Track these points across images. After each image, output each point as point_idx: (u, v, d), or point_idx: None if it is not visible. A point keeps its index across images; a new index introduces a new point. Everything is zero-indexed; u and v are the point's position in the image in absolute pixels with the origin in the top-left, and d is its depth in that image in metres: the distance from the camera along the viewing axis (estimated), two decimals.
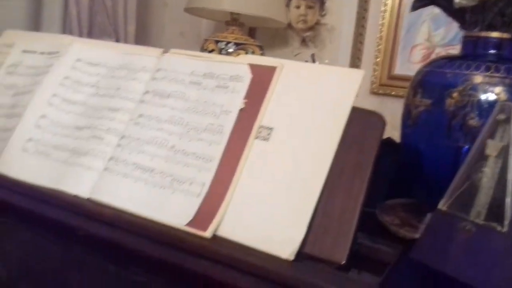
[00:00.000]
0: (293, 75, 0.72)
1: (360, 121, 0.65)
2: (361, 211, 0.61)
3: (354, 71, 0.69)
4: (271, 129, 0.70)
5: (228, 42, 1.57)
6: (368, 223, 0.69)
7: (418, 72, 0.80)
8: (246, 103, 0.73)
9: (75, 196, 0.74)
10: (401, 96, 1.54)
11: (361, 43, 1.68)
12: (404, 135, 0.83)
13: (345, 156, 0.64)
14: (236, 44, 1.57)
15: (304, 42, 1.81)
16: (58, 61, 0.91)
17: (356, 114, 0.65)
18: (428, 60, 0.89)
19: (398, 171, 0.90)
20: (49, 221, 0.75)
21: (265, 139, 0.69)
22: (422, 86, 0.76)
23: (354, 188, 0.63)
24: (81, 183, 0.75)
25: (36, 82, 0.91)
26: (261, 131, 0.70)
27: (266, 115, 0.71)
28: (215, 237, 0.64)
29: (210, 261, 0.61)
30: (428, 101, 0.73)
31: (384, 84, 1.61)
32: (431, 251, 0.54)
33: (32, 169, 0.80)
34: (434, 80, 0.75)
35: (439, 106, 0.72)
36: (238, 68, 0.76)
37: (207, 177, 0.69)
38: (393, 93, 1.59)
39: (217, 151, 0.70)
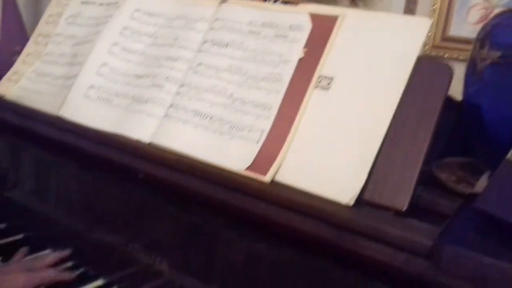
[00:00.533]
0: (355, 24, 0.71)
1: (426, 70, 0.63)
2: (424, 162, 0.61)
3: (421, 19, 0.67)
4: (331, 78, 0.69)
5: None
6: (425, 179, 0.69)
7: (486, 25, 0.77)
8: (305, 53, 0.72)
9: (137, 141, 0.77)
10: (455, 59, 1.50)
11: (415, 2, 1.62)
12: (466, 92, 0.80)
13: (409, 106, 0.63)
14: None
15: (353, 0, 1.76)
16: (117, 11, 0.92)
17: (422, 63, 0.64)
18: (492, 15, 0.85)
19: (456, 130, 0.88)
20: (112, 164, 0.78)
21: (325, 88, 0.69)
22: (491, 37, 0.73)
23: (418, 138, 0.62)
24: (142, 128, 0.78)
25: (95, 32, 0.93)
26: (321, 80, 0.70)
27: (327, 64, 0.70)
28: (274, 182, 0.66)
29: (270, 204, 0.62)
30: (496, 53, 0.70)
31: (437, 46, 1.55)
32: (498, 201, 0.54)
33: (95, 114, 0.83)
34: (504, 31, 0.72)
35: (509, 58, 0.69)
36: (298, 17, 0.75)
37: (265, 124, 0.70)
38: (446, 55, 1.53)
39: (275, 100, 0.71)
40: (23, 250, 0.88)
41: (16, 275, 0.74)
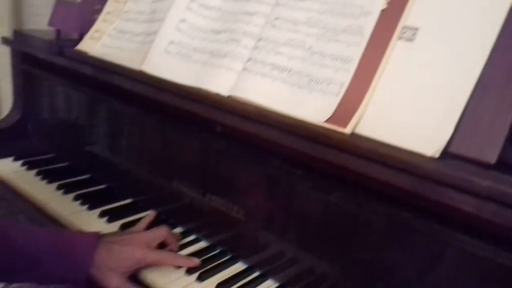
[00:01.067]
0: None
1: None
2: None
3: None
4: (416, 29, 0.67)
5: None
6: None
7: None
8: (389, 3, 0.70)
9: (216, 94, 0.79)
10: None
11: None
12: None
13: (499, 59, 0.60)
14: None
15: None
16: None
17: None
18: None
19: None
20: (192, 117, 0.81)
21: (410, 39, 0.67)
22: None
23: (508, 92, 0.59)
24: (221, 82, 0.79)
25: None
26: (405, 31, 0.68)
27: (411, 15, 0.68)
28: (354, 134, 0.66)
29: (351, 155, 0.62)
30: None
31: None
32: None
33: (175, 69, 0.86)
34: None
35: None
36: None
37: (345, 77, 0.69)
38: None
39: (356, 52, 0.70)
40: (151, 214, 0.90)
41: (135, 248, 0.75)
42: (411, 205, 0.60)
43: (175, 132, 0.89)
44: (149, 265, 0.76)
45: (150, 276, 0.76)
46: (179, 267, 0.78)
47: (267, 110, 0.73)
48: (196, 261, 0.79)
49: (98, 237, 0.75)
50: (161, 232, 0.81)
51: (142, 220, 0.89)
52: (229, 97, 0.78)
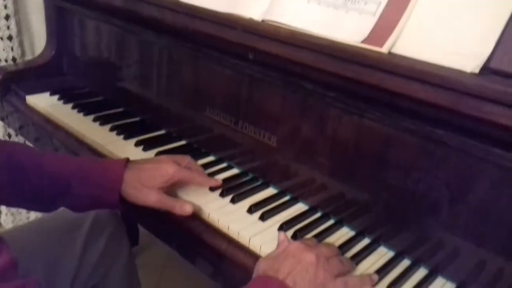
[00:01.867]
0: None
1: None
2: None
3: None
4: None
5: None
6: None
7: None
8: None
9: (250, 19, 0.78)
10: None
11: None
12: None
13: None
14: None
15: None
16: None
17: None
18: None
19: None
20: (225, 44, 0.81)
21: None
22: None
23: None
24: (254, 6, 0.79)
25: None
26: None
27: None
28: (392, 53, 0.65)
29: (387, 73, 0.62)
30: None
31: None
32: None
33: None
34: None
35: None
36: None
37: None
38: None
39: None
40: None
41: (168, 164, 0.76)
42: (447, 123, 0.59)
43: (208, 61, 0.89)
44: (180, 181, 0.77)
45: (186, 198, 0.79)
46: (214, 190, 0.81)
47: (302, 33, 0.72)
48: (219, 182, 0.82)
49: (126, 160, 0.77)
50: (186, 157, 0.82)
51: None
52: (262, 21, 0.77)
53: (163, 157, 0.83)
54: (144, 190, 0.73)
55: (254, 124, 0.84)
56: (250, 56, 0.81)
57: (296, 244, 0.62)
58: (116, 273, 0.93)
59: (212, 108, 0.91)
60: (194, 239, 0.74)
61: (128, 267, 0.95)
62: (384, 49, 0.65)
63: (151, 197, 0.73)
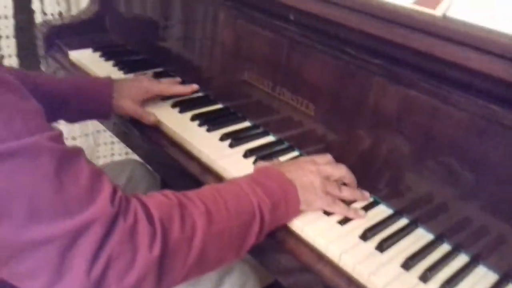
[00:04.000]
0: None
1: None
2: None
3: None
4: None
5: None
6: None
7: None
8: None
9: None
10: None
11: None
12: None
13: None
14: None
15: None
16: None
17: None
18: None
19: None
20: (267, 2, 0.76)
21: None
22: None
23: None
24: None
25: None
26: None
27: None
28: (446, 17, 0.58)
29: (439, 39, 0.56)
30: None
31: None
32: None
33: None
34: None
35: None
36: None
37: None
38: None
39: None
40: (150, 72, 1.04)
41: (144, 79, 0.90)
42: (504, 99, 0.53)
43: (247, 21, 0.85)
44: (156, 94, 0.90)
45: (221, 165, 0.76)
46: (247, 157, 0.78)
47: None
48: (195, 87, 0.96)
49: (110, 78, 0.90)
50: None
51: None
52: None
53: (140, 76, 0.95)
54: (122, 99, 0.86)
55: (291, 91, 0.80)
56: (291, 17, 0.75)
57: (307, 157, 0.71)
58: None
59: (250, 72, 0.87)
60: None
61: None
62: (438, 12, 0.58)
63: (126, 104, 0.85)
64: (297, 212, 0.64)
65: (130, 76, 1.05)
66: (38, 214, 0.41)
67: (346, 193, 0.68)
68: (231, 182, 0.61)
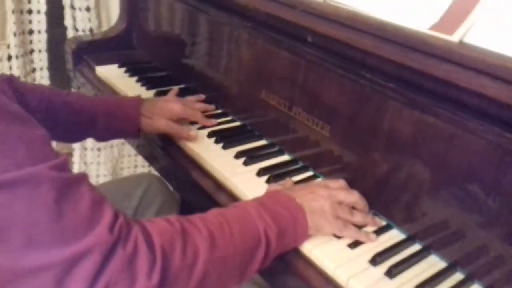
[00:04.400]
0: None
1: None
2: None
3: None
4: None
5: None
6: None
7: None
8: None
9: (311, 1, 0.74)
10: None
11: None
12: None
13: None
14: None
15: None
16: None
17: None
18: None
19: None
20: (283, 24, 0.77)
21: None
22: None
23: None
24: None
25: None
26: None
27: None
28: (463, 43, 0.57)
29: (455, 65, 0.55)
30: None
31: None
32: None
33: None
34: None
35: None
36: None
37: None
38: None
39: None
40: (176, 88, 1.02)
41: (174, 103, 0.89)
42: None
43: (266, 41, 0.86)
44: (186, 116, 0.90)
45: (234, 182, 0.77)
46: (261, 176, 0.79)
47: (364, 15, 0.66)
48: (214, 122, 0.94)
49: (140, 97, 0.91)
50: (190, 98, 0.96)
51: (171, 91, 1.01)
52: (323, 1, 0.72)
53: (170, 97, 0.95)
54: (155, 117, 0.86)
55: (307, 111, 0.80)
56: (309, 38, 0.76)
57: (318, 181, 0.72)
58: None
59: (268, 91, 0.88)
60: None
61: None
62: (455, 38, 0.57)
63: (161, 122, 0.86)
64: (305, 237, 0.63)
65: (152, 91, 1.07)
66: (35, 241, 0.42)
67: (358, 218, 0.67)
68: (238, 206, 0.61)
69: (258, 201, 0.62)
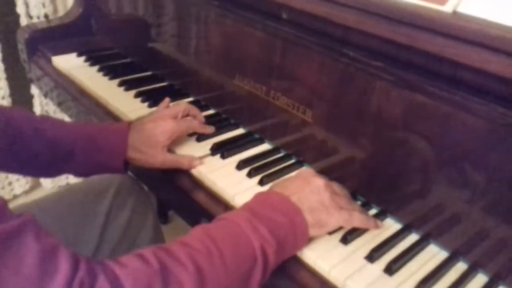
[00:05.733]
0: None
1: None
2: None
3: None
4: None
5: None
6: None
7: None
8: None
9: None
10: None
11: None
12: None
13: None
14: None
15: None
16: None
17: None
18: None
19: None
20: (255, 1, 0.70)
21: None
22: None
23: None
24: None
25: None
26: None
27: None
28: (456, 14, 0.51)
29: (450, 39, 0.49)
30: None
31: None
32: None
33: None
34: None
35: None
36: None
37: None
38: None
39: None
40: (167, 99, 0.83)
41: (165, 121, 0.73)
42: None
43: (237, 21, 0.78)
44: (182, 133, 0.76)
45: (212, 179, 0.71)
46: (241, 169, 0.72)
47: None
48: (212, 129, 0.81)
49: (128, 123, 0.74)
50: (181, 105, 0.78)
51: (161, 103, 0.83)
52: None
53: (160, 113, 0.77)
54: (149, 152, 0.71)
55: (287, 95, 0.74)
56: (284, 15, 0.69)
57: (308, 169, 0.64)
58: (142, 246, 0.88)
59: (242, 75, 0.81)
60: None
61: (154, 239, 0.90)
62: (447, 8, 0.51)
63: (157, 159, 0.72)
64: (306, 240, 0.56)
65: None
66: None
67: (357, 205, 0.62)
68: (227, 220, 0.52)
69: (249, 209, 0.53)
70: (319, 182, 0.59)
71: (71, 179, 1.63)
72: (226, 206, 0.67)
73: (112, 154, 0.72)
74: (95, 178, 0.92)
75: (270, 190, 0.60)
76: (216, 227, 0.50)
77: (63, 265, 0.38)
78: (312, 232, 0.56)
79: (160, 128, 0.72)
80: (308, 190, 0.58)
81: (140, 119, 0.76)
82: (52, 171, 0.74)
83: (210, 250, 0.46)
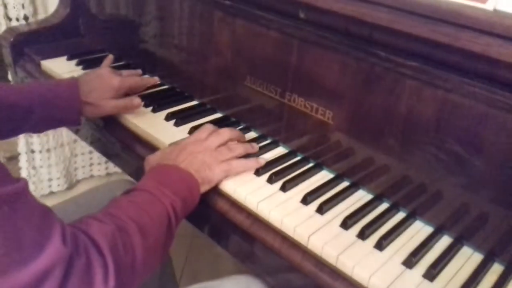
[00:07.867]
0: None
1: None
2: None
3: None
4: None
5: None
6: None
7: None
8: None
9: None
10: None
11: None
12: None
13: None
14: None
15: None
16: None
17: None
18: None
19: None
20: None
21: None
22: None
23: None
24: None
25: None
26: None
27: None
28: (497, 11, 0.50)
29: (493, 37, 0.48)
30: None
31: None
32: None
33: None
34: None
35: None
36: None
37: None
38: None
39: None
40: (110, 56, 0.96)
41: (111, 78, 0.82)
42: None
43: (248, 20, 0.75)
44: (128, 89, 0.85)
45: (228, 184, 0.68)
46: (259, 175, 0.69)
47: None
48: (156, 80, 0.95)
49: (76, 78, 0.82)
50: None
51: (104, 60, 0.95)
52: None
53: (102, 70, 0.85)
54: (100, 103, 0.80)
55: (304, 96, 0.71)
56: (301, 14, 0.67)
57: (187, 139, 0.72)
58: None
59: (254, 77, 0.78)
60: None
61: None
62: (488, 6, 0.50)
63: (107, 108, 0.81)
64: (199, 195, 0.65)
65: None
66: None
67: (238, 150, 0.71)
68: (139, 190, 0.61)
69: (152, 178, 0.63)
70: (199, 147, 0.69)
71: (54, 182, 1.56)
72: (249, 214, 0.65)
73: (69, 109, 0.79)
74: (95, 187, 0.88)
75: (162, 164, 0.67)
76: (135, 196, 0.60)
77: (56, 222, 0.44)
78: (203, 188, 0.66)
79: (107, 83, 0.81)
80: (192, 157, 0.67)
81: (84, 76, 0.84)
82: (10, 132, 0.78)
83: (140, 212, 0.56)
